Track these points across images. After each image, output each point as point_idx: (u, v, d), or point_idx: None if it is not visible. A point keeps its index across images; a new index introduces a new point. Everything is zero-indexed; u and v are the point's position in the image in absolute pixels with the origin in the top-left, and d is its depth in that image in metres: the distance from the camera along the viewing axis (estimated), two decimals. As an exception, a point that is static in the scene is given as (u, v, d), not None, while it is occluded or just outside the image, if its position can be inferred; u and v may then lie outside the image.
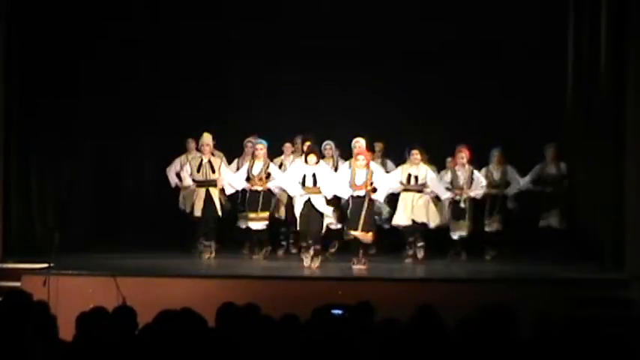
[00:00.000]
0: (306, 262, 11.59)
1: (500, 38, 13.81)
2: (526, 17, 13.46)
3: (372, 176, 11.60)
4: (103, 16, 13.13)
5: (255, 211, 12.51)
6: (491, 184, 12.69)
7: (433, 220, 12.24)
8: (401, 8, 13.85)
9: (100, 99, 13.46)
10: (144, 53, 14.14)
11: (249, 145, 13.09)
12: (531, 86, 13.56)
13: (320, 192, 11.71)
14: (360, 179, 11.56)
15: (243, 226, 12.96)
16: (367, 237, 11.60)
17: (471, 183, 12.37)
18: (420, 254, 12.11)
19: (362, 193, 11.54)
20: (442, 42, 13.94)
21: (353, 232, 11.53)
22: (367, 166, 11.64)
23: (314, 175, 11.72)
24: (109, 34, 13.38)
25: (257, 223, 12.53)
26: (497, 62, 13.92)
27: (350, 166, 11.85)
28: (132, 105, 13.94)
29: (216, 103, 14.35)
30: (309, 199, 11.68)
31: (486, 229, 12.71)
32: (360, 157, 11.66)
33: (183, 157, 13.46)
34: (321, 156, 12.18)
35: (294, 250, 12.96)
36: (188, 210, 13.10)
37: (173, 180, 13.43)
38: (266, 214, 12.52)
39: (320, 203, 11.72)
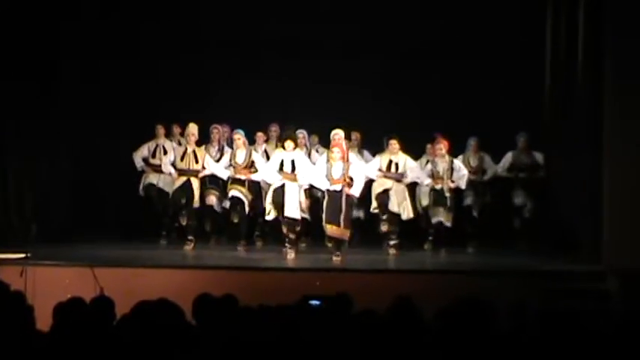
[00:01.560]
0: (291, 255, 11.62)
1: (479, 32, 13.82)
2: (505, 11, 13.49)
3: (349, 170, 11.50)
4: (80, 11, 13.15)
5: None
6: (469, 170, 12.76)
7: (407, 213, 12.25)
8: (381, 2, 13.88)
9: (78, 89, 13.41)
10: (123, 42, 14.02)
11: (215, 131, 13.08)
12: (509, 79, 13.60)
13: (296, 179, 11.71)
14: (337, 173, 11.43)
15: (209, 203, 12.94)
16: (346, 234, 11.47)
17: (452, 172, 12.38)
18: (393, 251, 12.13)
19: (339, 187, 11.40)
20: (421, 35, 13.97)
21: (332, 228, 11.40)
22: (343, 159, 11.50)
23: (292, 162, 11.72)
24: (87, 28, 13.36)
25: (237, 192, 12.48)
26: (476, 55, 13.97)
27: (327, 159, 11.72)
28: (110, 94, 13.88)
29: (194, 93, 14.32)
30: (283, 185, 11.68)
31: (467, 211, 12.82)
32: (335, 150, 11.51)
33: (150, 143, 13.49)
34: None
35: (258, 243, 13.04)
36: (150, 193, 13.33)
37: (139, 164, 13.50)
38: (250, 195, 12.50)
39: (295, 191, 11.71)
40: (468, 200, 12.90)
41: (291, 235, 11.75)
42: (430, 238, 12.70)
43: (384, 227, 12.27)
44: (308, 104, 13.93)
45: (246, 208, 12.60)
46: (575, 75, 11.49)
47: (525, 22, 13.28)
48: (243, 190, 12.54)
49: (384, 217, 12.23)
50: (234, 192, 12.56)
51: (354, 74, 14.22)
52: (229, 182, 12.65)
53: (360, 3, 13.86)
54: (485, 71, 13.85)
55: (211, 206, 12.99)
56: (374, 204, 12.33)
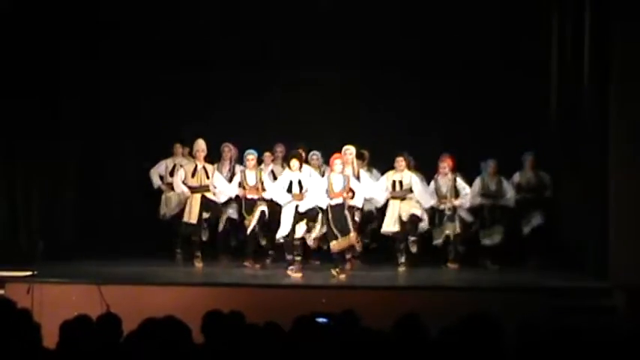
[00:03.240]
0: (295, 273, 11.54)
1: (484, 49, 13.90)
2: (509, 28, 13.55)
3: (349, 182, 11.54)
4: (84, 19, 13.22)
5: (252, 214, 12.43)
6: (487, 194, 12.71)
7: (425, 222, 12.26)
8: (388, 17, 13.89)
9: (83, 106, 13.47)
10: (127, 55, 14.06)
11: (227, 149, 13.03)
12: (515, 97, 13.64)
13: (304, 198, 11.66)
14: (337, 186, 11.45)
15: (234, 216, 12.89)
16: (355, 240, 11.53)
17: (455, 191, 12.33)
18: (414, 249, 12.11)
19: (340, 200, 11.43)
20: (427, 53, 14.08)
21: (344, 240, 11.35)
22: (343, 172, 11.54)
23: (300, 182, 11.68)
24: (89, 36, 13.42)
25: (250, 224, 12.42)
26: (483, 72, 14.02)
27: (327, 175, 11.73)
28: (116, 111, 13.93)
29: (198, 110, 14.33)
30: (297, 207, 11.65)
31: (486, 242, 12.67)
32: (337, 162, 11.53)
33: (168, 161, 13.51)
34: (305, 162, 12.15)
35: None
36: (168, 214, 13.20)
37: (156, 182, 13.48)
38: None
39: (292, 211, 11.64)
40: (495, 238, 12.75)
41: (290, 256, 11.69)
42: (450, 257, 12.47)
43: (413, 248, 12.24)
44: (315, 124, 13.90)
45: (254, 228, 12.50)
46: (582, 83, 11.53)
47: (531, 29, 13.32)
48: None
49: (413, 238, 12.21)
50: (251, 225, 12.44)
51: (361, 93, 14.32)
52: (244, 210, 12.56)
53: (373, 20, 13.91)
54: (489, 83, 13.91)
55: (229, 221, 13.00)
56: (394, 227, 12.25)
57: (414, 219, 12.16)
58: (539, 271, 11.78)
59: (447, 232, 12.38)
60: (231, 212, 12.95)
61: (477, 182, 12.73)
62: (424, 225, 12.33)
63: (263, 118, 14.19)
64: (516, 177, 12.94)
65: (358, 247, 12.09)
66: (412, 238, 12.19)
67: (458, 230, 12.40)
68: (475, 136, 13.68)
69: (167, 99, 14.30)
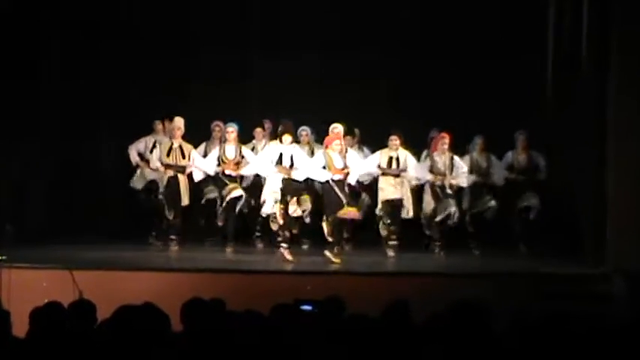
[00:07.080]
0: (286, 253, 11.39)
1: (481, 29, 13.77)
2: (506, 7, 13.45)
3: (347, 160, 11.62)
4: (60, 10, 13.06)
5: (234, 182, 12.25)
6: (477, 171, 12.59)
7: (408, 212, 12.11)
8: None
9: (58, 85, 13.29)
10: (105, 35, 13.83)
11: (217, 129, 12.80)
12: (511, 76, 13.45)
13: (292, 174, 11.53)
14: (339, 163, 11.44)
15: (212, 196, 12.52)
16: (359, 214, 11.63)
17: (452, 169, 12.18)
18: (392, 253, 11.96)
19: (341, 177, 11.41)
20: (422, 32, 13.99)
21: (351, 211, 11.33)
22: (341, 152, 11.55)
23: (291, 156, 11.56)
24: (69, 16, 13.20)
25: (235, 191, 12.17)
26: (477, 49, 13.91)
27: (324, 152, 11.63)
28: (91, 91, 13.71)
29: (179, 88, 14.07)
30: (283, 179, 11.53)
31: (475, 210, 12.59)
32: (336, 142, 11.53)
33: (148, 138, 13.27)
34: (296, 141, 12.04)
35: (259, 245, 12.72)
36: (139, 187, 13.08)
37: (134, 158, 13.26)
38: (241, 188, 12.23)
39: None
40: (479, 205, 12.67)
41: (286, 233, 11.59)
42: (438, 243, 12.30)
43: (384, 231, 12.21)
44: (302, 101, 13.69)
45: (240, 205, 12.30)
46: (579, 69, 11.46)
47: (528, 13, 13.18)
48: (239, 187, 12.24)
49: (388, 221, 12.13)
50: (237, 192, 12.20)
51: (352, 71, 14.15)
52: (228, 181, 12.28)
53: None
54: (486, 65, 13.79)
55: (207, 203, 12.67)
56: (379, 207, 12.20)
57: (397, 202, 12.07)
58: (534, 257, 11.74)
59: (451, 209, 12.09)
60: (211, 190, 12.65)
61: (466, 160, 12.61)
62: (405, 212, 12.20)
63: (246, 97, 14.01)
64: (508, 157, 12.80)
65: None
66: (387, 222, 12.13)
67: (454, 213, 12.15)
68: (467, 115, 13.54)
69: (145, 79, 14.03)
